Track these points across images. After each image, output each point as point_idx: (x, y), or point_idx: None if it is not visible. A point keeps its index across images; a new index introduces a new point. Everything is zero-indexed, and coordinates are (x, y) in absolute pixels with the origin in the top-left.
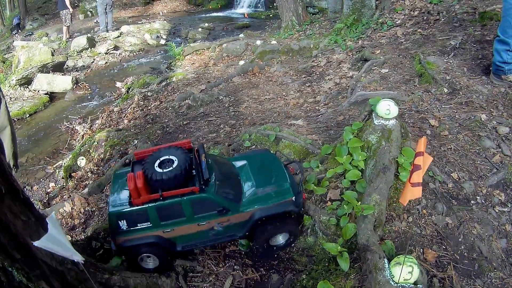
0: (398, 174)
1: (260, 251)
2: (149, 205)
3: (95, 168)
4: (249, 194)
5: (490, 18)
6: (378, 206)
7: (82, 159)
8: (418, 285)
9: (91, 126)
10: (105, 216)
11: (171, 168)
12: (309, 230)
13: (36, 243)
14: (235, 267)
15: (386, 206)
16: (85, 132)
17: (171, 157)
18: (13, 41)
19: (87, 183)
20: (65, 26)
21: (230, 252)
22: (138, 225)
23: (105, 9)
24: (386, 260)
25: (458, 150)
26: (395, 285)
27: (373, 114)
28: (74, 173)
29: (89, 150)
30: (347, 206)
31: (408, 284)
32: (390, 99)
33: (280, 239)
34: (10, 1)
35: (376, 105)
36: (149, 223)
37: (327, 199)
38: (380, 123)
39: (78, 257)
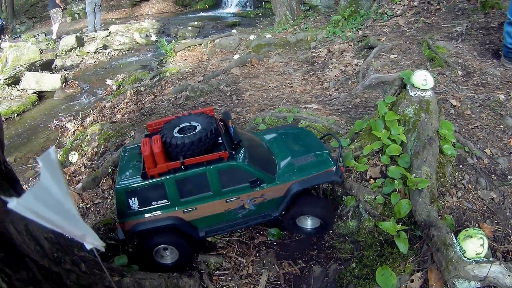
0: (440, 147)
1: (287, 227)
2: (167, 176)
3: (89, 162)
4: (284, 165)
5: (491, 7)
6: (429, 179)
7: (74, 154)
8: (491, 259)
9: (82, 122)
10: (102, 211)
11: (194, 132)
12: (350, 213)
13: (11, 204)
14: (269, 260)
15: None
16: (76, 128)
17: (192, 123)
18: (1, 43)
19: (81, 178)
20: (55, 23)
21: (260, 243)
22: (153, 203)
23: (94, 9)
24: (453, 235)
25: (484, 128)
26: (469, 261)
27: (408, 86)
28: (66, 169)
29: (81, 145)
30: (397, 181)
31: (481, 259)
32: (424, 70)
33: (309, 222)
34: None
35: (411, 77)
36: (166, 200)
37: (368, 177)
38: (417, 95)
39: (94, 241)
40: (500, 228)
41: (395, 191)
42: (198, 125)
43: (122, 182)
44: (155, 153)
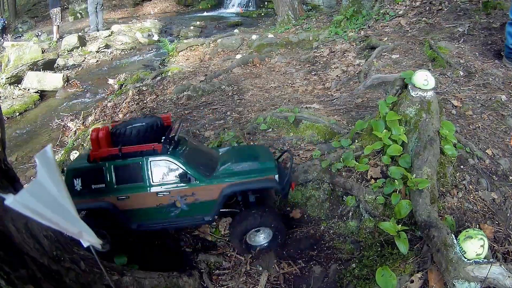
0: (441, 147)
1: (238, 248)
2: (107, 162)
3: None
4: (222, 169)
5: (493, 7)
6: (430, 180)
7: (76, 153)
8: (491, 259)
9: (83, 122)
10: None
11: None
12: (350, 214)
13: (8, 201)
14: (268, 260)
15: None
16: (78, 127)
17: (143, 123)
18: (3, 42)
19: None
20: (55, 25)
21: None
22: (93, 186)
23: (96, 9)
24: (453, 236)
25: (486, 129)
26: (469, 261)
27: (409, 86)
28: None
29: (82, 144)
30: (397, 181)
31: (482, 260)
32: (425, 70)
33: (261, 238)
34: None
35: (412, 77)
36: (104, 184)
37: (368, 177)
38: (418, 95)
39: (91, 238)
40: (500, 229)
41: (396, 192)
42: (146, 123)
43: (72, 164)
44: (100, 137)
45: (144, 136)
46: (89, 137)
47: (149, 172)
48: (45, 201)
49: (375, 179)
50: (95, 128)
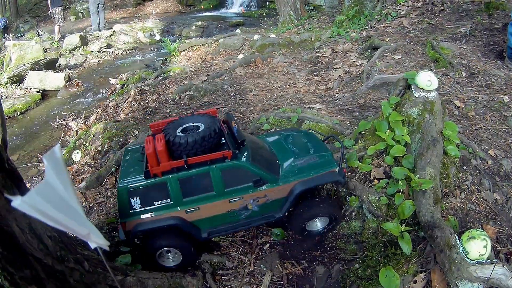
0: (444, 148)
1: (296, 236)
2: (170, 175)
3: (92, 161)
4: (287, 166)
5: (495, 8)
6: (433, 180)
7: (78, 153)
8: (494, 260)
9: (85, 121)
10: (105, 210)
11: (198, 131)
12: (353, 214)
13: (15, 202)
14: (272, 260)
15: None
16: (80, 127)
17: (196, 123)
18: (4, 42)
19: (84, 177)
20: (57, 25)
21: (264, 243)
22: (155, 203)
23: (97, 8)
24: (456, 236)
25: (488, 130)
26: (472, 262)
27: (413, 87)
28: (69, 167)
29: (84, 144)
30: (401, 182)
31: (484, 260)
32: (428, 71)
33: (318, 224)
34: (1, 4)
35: (415, 78)
36: (169, 200)
37: (372, 178)
38: (421, 96)
39: (99, 239)
40: (503, 230)
41: (399, 192)
42: (201, 125)
43: (124, 181)
44: (158, 151)
45: (207, 142)
46: (90, 136)
47: (220, 180)
48: (53, 201)
49: (378, 179)
50: (147, 138)
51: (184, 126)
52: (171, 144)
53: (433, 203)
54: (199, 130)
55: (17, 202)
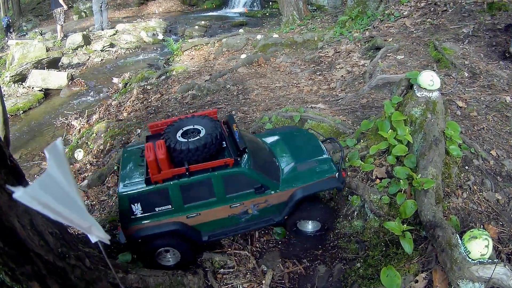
0: (446, 148)
1: (288, 230)
2: (171, 182)
3: (94, 160)
4: (288, 171)
5: (498, 9)
6: (435, 180)
7: (80, 151)
8: (495, 260)
9: (88, 120)
10: (107, 209)
11: (198, 137)
12: (355, 213)
13: (17, 194)
14: (273, 259)
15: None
16: (82, 126)
17: (196, 126)
18: (7, 40)
19: (86, 175)
20: (59, 25)
21: (265, 242)
22: (156, 209)
23: (100, 7)
24: (458, 236)
25: (490, 130)
26: (473, 262)
27: (415, 87)
28: (71, 166)
29: (87, 142)
30: (402, 181)
31: (486, 260)
32: (431, 71)
33: (310, 227)
34: (4, 3)
35: (417, 78)
36: (170, 206)
37: (374, 177)
38: (423, 95)
39: (100, 233)
40: (504, 230)
41: (401, 191)
42: (202, 128)
43: (125, 187)
44: (159, 159)
45: (209, 148)
46: (93, 135)
47: (221, 187)
48: (55, 194)
49: (380, 179)
50: (147, 145)
51: (184, 129)
52: (172, 150)
53: (435, 203)
54: (200, 134)
55: (19, 193)
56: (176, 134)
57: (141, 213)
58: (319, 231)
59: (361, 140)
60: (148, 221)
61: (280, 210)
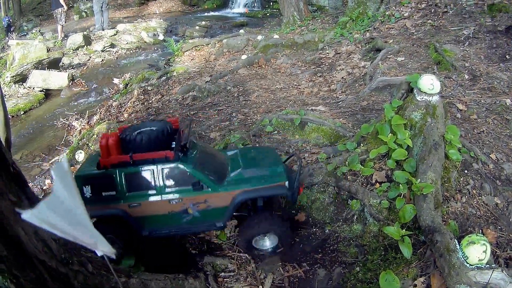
0: (446, 152)
1: (244, 250)
2: (117, 169)
3: None
4: (233, 175)
5: (499, 10)
6: (434, 184)
7: (81, 152)
8: (493, 265)
9: (88, 121)
10: None
11: (149, 130)
12: (355, 217)
13: (25, 215)
14: (273, 263)
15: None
16: (83, 127)
17: (152, 127)
18: (8, 40)
19: None
20: (59, 25)
21: None
22: (103, 193)
23: (101, 8)
24: (456, 241)
25: (490, 133)
26: (471, 267)
27: (415, 90)
28: (72, 167)
29: (87, 144)
30: (402, 186)
31: (484, 265)
32: (431, 74)
33: (267, 243)
34: (4, 3)
35: (417, 81)
36: (114, 192)
37: (373, 181)
38: (423, 99)
39: (106, 248)
40: (503, 234)
41: (400, 196)
42: (155, 128)
43: (81, 171)
44: (109, 144)
45: (155, 143)
46: (93, 136)
47: (161, 180)
48: (61, 213)
49: (380, 183)
50: (104, 134)
51: (142, 129)
52: (123, 141)
53: (434, 208)
54: (152, 132)
55: (27, 215)
56: (133, 132)
57: (90, 196)
58: (279, 245)
59: (361, 144)
60: (95, 205)
61: (222, 213)
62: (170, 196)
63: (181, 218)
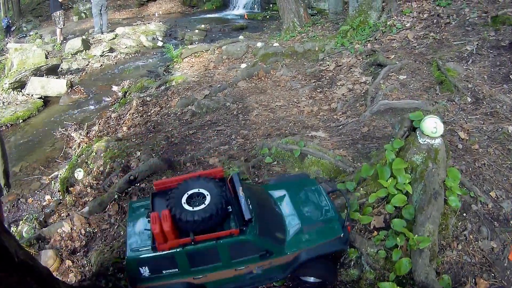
0: (446, 198)
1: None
2: (178, 249)
3: (95, 182)
4: (293, 233)
5: (502, 22)
6: (432, 236)
7: (80, 171)
8: None
9: (87, 133)
10: (109, 238)
11: (204, 206)
12: (352, 262)
13: None
14: None
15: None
16: (82, 139)
17: (201, 190)
18: (7, 43)
19: (87, 199)
20: (58, 28)
21: None
22: (164, 271)
23: (100, 11)
24: None
25: (491, 166)
26: None
27: (417, 132)
28: (72, 188)
29: (86, 161)
30: (399, 238)
31: None
32: (435, 116)
33: (311, 279)
34: (4, 3)
35: (421, 123)
36: (177, 269)
37: (371, 227)
38: (425, 142)
39: None
40: (496, 281)
41: (397, 247)
42: (207, 194)
43: (133, 251)
44: (165, 231)
45: (215, 220)
46: (92, 154)
47: (227, 253)
48: None
49: (378, 229)
50: (154, 216)
51: (189, 193)
52: (178, 220)
53: (429, 261)
54: (205, 201)
55: None
56: (181, 200)
57: (149, 275)
58: (320, 284)
59: (361, 186)
60: (156, 282)
61: (284, 269)
62: (236, 266)
63: (244, 277)
